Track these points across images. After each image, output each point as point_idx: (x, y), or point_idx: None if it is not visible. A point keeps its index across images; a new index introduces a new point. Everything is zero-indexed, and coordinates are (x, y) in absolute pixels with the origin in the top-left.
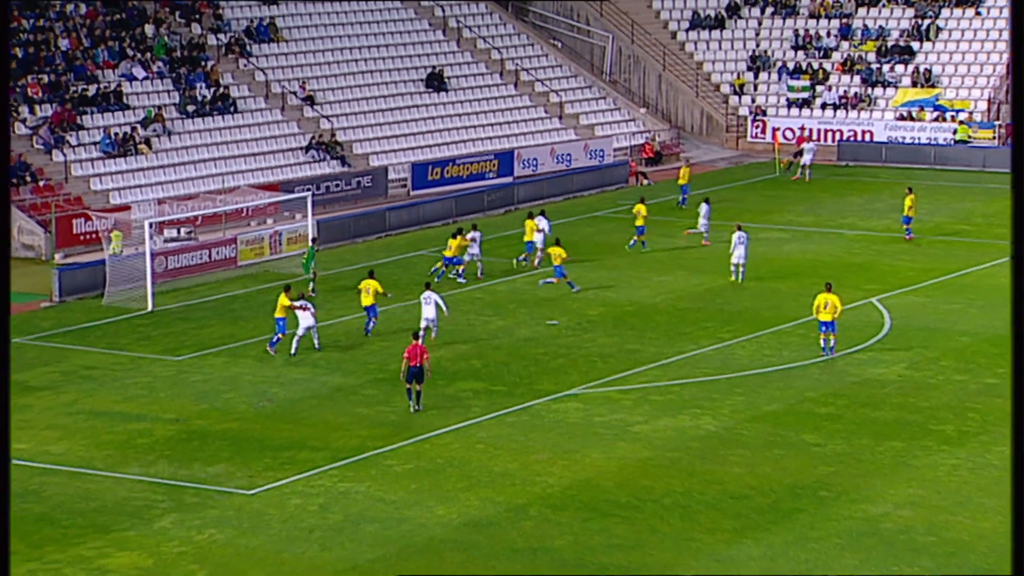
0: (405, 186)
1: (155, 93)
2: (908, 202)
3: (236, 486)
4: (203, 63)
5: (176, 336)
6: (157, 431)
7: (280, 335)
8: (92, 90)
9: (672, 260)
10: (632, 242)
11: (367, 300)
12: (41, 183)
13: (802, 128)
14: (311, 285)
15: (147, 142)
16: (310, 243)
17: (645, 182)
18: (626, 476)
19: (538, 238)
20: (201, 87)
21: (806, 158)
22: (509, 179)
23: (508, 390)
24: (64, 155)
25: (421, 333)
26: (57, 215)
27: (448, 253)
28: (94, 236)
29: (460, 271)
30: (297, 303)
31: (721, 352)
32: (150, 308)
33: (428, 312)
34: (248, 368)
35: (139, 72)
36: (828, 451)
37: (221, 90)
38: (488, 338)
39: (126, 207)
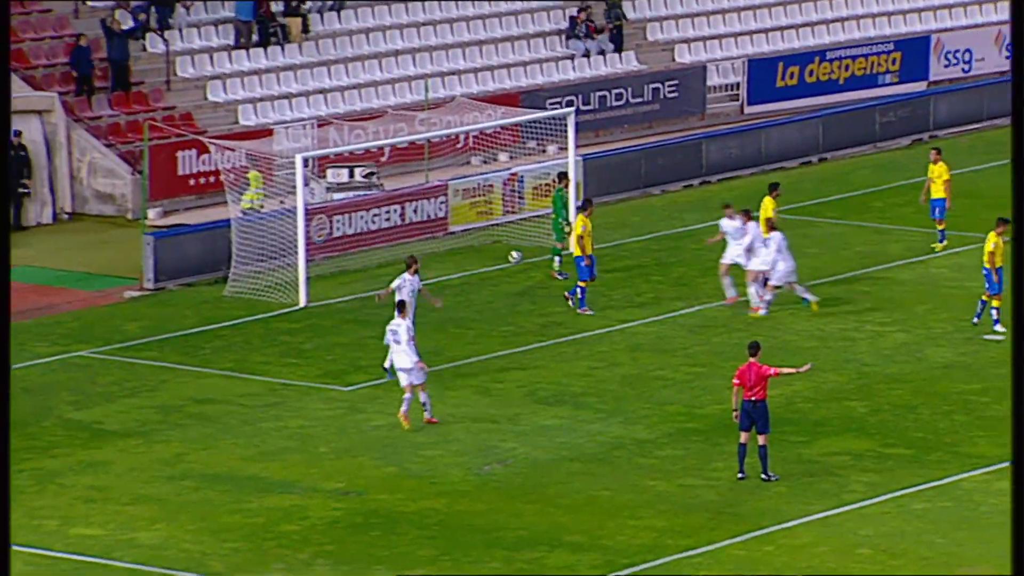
0: (736, 98)
1: None
2: None
3: None
4: None
5: (345, 351)
6: (314, 510)
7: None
8: None
9: None
10: None
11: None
12: (129, 91)
13: None
14: (557, 260)
15: (303, 21)
16: (558, 185)
17: None
18: None
19: None
20: None
21: None
22: (921, 86)
23: (915, 455)
24: (166, 43)
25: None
26: (153, 143)
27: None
28: (213, 180)
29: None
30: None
31: None
32: (303, 303)
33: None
34: (466, 405)
35: None
36: None
37: None
38: (879, 363)
39: (266, 132)
